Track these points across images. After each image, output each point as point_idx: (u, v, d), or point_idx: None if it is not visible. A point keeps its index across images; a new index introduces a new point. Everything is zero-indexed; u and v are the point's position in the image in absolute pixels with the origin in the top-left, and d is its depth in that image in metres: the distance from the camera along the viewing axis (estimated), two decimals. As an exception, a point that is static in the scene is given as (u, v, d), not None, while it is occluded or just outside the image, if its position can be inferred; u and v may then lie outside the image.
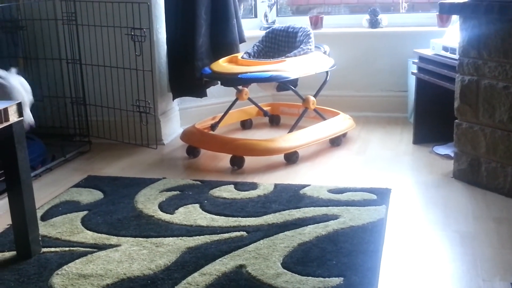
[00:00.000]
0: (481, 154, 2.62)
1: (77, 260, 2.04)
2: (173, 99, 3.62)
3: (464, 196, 2.56)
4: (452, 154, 2.84)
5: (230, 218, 2.36)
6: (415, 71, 3.26)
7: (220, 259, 2.02)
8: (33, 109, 2.68)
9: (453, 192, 2.61)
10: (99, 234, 2.26)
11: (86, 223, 2.37)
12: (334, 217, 2.34)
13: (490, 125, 2.57)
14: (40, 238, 2.15)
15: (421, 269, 1.96)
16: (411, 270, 1.95)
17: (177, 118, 3.75)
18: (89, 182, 2.84)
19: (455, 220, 2.32)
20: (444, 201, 2.52)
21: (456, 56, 2.73)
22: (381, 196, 2.55)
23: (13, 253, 2.12)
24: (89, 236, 2.25)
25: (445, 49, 3.00)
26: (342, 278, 1.87)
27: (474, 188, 2.64)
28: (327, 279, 1.87)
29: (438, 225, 2.29)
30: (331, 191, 2.63)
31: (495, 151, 2.56)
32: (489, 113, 2.56)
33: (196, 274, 1.92)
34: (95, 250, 2.12)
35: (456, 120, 2.73)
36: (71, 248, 2.14)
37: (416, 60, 3.27)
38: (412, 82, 3.44)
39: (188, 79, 3.47)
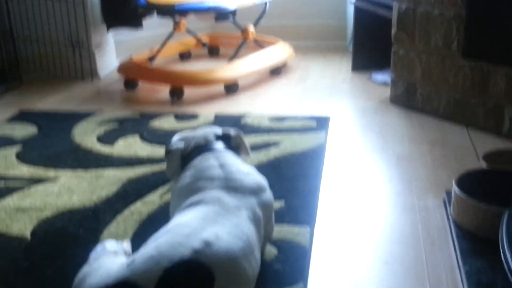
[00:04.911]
0: (417, 79, 2.68)
1: (14, 194, 1.98)
2: (107, 31, 3.48)
3: (401, 120, 2.63)
4: (389, 80, 2.89)
5: (171, 148, 2.34)
6: (354, -1, 3.26)
7: (161, 188, 2.01)
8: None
9: (390, 117, 2.67)
10: (36, 168, 2.20)
11: (21, 157, 2.29)
12: (275, 144, 2.36)
13: (425, 51, 2.62)
14: (-28, 174, 2.08)
15: (359, 189, 2.02)
16: (350, 191, 2.01)
17: (113, 51, 3.62)
18: (22, 117, 2.73)
19: (392, 144, 2.39)
20: (381, 126, 2.58)
21: (394, -17, 2.73)
22: (321, 123, 2.58)
23: None
24: (26, 170, 2.18)
25: (383, -25, 3.00)
26: (284, 201, 1.90)
27: (410, 112, 2.71)
28: (269, 202, 1.90)
29: (375, 148, 2.36)
30: (272, 119, 2.64)
31: (430, 76, 2.62)
32: (425, 39, 2.60)
33: (138, 204, 1.91)
34: (32, 183, 2.07)
35: (393, 47, 2.76)
36: (7, 182, 2.08)
37: (355, -12, 3.26)
38: (350, 10, 3.44)
39: (122, 9, 3.33)
